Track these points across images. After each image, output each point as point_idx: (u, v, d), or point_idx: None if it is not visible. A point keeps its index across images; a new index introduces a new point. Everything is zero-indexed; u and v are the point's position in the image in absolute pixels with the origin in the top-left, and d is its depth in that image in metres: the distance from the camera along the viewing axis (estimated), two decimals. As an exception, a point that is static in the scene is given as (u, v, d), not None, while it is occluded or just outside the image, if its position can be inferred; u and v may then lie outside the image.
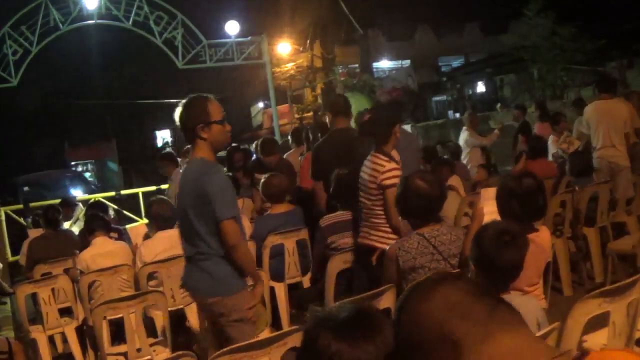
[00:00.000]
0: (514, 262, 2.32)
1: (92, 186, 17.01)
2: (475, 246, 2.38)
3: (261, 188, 4.85)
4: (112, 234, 5.18)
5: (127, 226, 6.77)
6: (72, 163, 26.10)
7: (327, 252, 4.11)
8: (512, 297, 2.27)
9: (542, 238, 2.87)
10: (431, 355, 1.11)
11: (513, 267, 2.32)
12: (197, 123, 2.92)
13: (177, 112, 3.00)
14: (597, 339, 2.41)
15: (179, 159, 6.84)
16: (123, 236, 5.71)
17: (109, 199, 10.80)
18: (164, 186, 10.86)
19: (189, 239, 3.01)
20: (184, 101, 3.01)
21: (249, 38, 13.36)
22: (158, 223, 4.59)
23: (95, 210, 6.09)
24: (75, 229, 6.67)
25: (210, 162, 2.96)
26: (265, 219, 4.80)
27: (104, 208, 6.84)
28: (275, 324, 4.21)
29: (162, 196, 5.39)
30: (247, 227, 4.94)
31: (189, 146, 3.32)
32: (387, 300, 2.83)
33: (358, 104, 12.19)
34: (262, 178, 4.88)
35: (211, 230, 2.87)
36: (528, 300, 2.45)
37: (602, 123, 5.99)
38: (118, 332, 4.00)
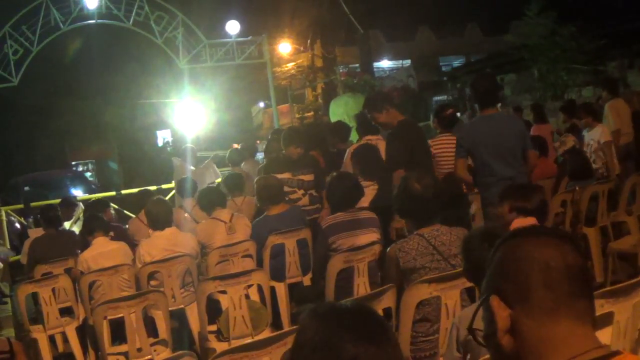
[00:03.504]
0: None
1: (93, 186, 16.98)
2: (464, 252, 2.37)
3: (256, 191, 4.85)
4: (110, 234, 5.18)
5: (128, 225, 6.76)
6: (73, 163, 26.08)
7: (328, 253, 4.10)
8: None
9: None
10: (502, 287, 1.16)
11: None
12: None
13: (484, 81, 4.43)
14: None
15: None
16: (122, 233, 5.70)
17: (109, 198, 10.78)
18: (165, 186, 10.88)
19: (509, 164, 4.14)
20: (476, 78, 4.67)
21: (250, 38, 13.37)
22: (155, 223, 4.59)
23: (93, 211, 6.09)
24: (76, 229, 6.67)
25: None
26: (262, 221, 4.79)
27: (105, 205, 6.83)
28: (276, 324, 4.21)
29: (160, 196, 5.39)
30: (247, 226, 4.95)
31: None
32: (387, 300, 2.84)
33: (358, 103, 12.17)
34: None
35: (522, 157, 4.22)
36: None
37: None
38: (118, 331, 4.00)
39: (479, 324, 1.23)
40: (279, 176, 5.30)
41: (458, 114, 17.78)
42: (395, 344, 1.23)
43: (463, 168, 4.33)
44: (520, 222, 2.98)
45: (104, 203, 7.05)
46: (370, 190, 4.98)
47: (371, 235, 4.07)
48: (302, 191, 5.51)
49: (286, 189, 5.37)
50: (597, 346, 1.11)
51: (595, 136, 6.72)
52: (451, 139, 5.24)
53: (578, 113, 7.40)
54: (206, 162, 8.37)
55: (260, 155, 10.32)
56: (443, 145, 5.11)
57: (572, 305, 1.12)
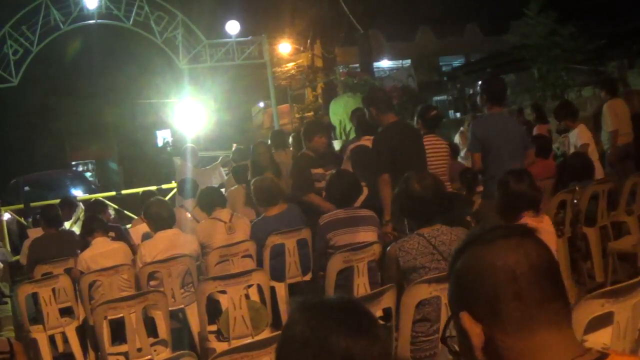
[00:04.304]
0: None
1: (93, 186, 16.99)
2: None
3: (253, 193, 4.85)
4: (110, 234, 5.19)
5: (128, 226, 6.77)
6: (73, 163, 26.10)
7: (326, 249, 4.11)
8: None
9: (545, 225, 2.95)
10: (470, 303, 1.11)
11: None
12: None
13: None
14: (597, 339, 2.41)
15: None
16: (121, 233, 5.71)
17: (110, 198, 10.80)
18: (165, 186, 10.89)
19: (517, 160, 4.40)
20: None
21: (250, 38, 13.37)
22: (157, 223, 4.58)
23: (93, 211, 6.10)
24: (76, 229, 6.67)
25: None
26: (262, 222, 4.79)
27: (103, 206, 6.86)
28: (276, 324, 4.22)
29: (160, 197, 5.39)
30: (247, 225, 4.95)
31: None
32: (387, 300, 2.84)
33: (358, 103, 12.18)
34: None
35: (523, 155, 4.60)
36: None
37: None
38: (118, 331, 4.01)
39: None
40: (313, 171, 5.31)
41: (458, 115, 17.86)
42: (384, 337, 1.21)
43: (480, 161, 4.60)
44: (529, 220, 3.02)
45: (101, 203, 7.07)
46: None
47: (369, 234, 4.08)
48: None
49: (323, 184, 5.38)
50: (581, 353, 1.07)
51: (572, 139, 6.56)
52: (435, 140, 5.32)
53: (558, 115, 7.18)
54: (214, 164, 8.36)
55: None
56: (428, 146, 5.11)
57: (546, 312, 1.07)
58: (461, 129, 8.82)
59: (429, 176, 3.26)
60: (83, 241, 4.97)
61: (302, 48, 17.97)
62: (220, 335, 3.85)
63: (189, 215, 5.91)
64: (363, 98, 5.13)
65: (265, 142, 6.81)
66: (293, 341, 1.18)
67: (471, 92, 20.81)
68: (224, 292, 3.78)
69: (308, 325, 1.17)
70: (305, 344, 1.16)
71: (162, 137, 26.22)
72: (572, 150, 6.53)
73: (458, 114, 18.84)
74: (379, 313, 2.83)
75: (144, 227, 5.44)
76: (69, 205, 7.38)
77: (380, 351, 1.17)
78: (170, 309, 3.99)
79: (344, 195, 4.18)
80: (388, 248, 3.11)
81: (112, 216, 8.78)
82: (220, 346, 3.65)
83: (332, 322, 1.17)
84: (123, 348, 3.81)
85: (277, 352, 1.22)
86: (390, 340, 1.07)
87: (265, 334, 3.67)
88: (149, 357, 3.63)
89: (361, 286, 3.80)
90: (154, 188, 10.54)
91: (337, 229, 4.04)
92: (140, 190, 11.54)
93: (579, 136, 6.46)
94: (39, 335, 4.58)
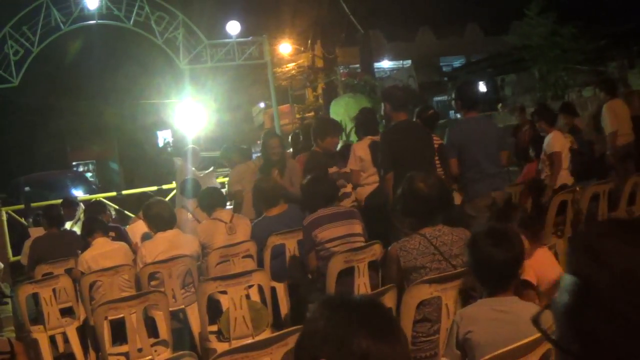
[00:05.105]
0: (509, 259, 2.29)
1: (93, 186, 17.01)
2: (470, 249, 2.37)
3: (253, 194, 4.86)
4: (110, 233, 5.19)
5: (127, 227, 6.78)
6: (74, 163, 26.09)
7: (314, 247, 4.12)
8: (511, 302, 2.26)
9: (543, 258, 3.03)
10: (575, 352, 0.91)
11: (509, 265, 2.30)
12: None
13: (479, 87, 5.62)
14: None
15: None
16: (122, 233, 5.71)
17: (110, 199, 10.81)
18: (165, 186, 10.89)
19: (494, 162, 4.65)
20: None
21: (250, 38, 13.36)
22: (158, 224, 4.58)
23: (93, 212, 6.11)
24: (77, 229, 6.67)
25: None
26: (262, 222, 4.80)
27: (103, 207, 6.87)
28: (276, 324, 4.22)
29: (160, 197, 5.40)
30: (247, 226, 4.96)
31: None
32: (388, 300, 2.84)
33: (359, 104, 12.19)
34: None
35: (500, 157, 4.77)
36: (530, 308, 2.25)
37: None
38: (119, 332, 4.01)
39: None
40: (329, 171, 5.33)
41: (458, 115, 17.88)
42: (404, 342, 1.22)
43: (456, 166, 4.70)
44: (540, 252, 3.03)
45: (101, 204, 7.07)
46: (369, 188, 5.16)
47: (353, 227, 4.10)
48: (350, 185, 5.49)
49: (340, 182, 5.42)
50: None
51: (545, 144, 6.05)
52: (434, 140, 5.33)
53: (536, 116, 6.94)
54: (210, 170, 8.35)
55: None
56: None
57: None
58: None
59: (432, 175, 3.28)
60: (83, 242, 4.98)
61: (302, 48, 17.99)
62: (220, 336, 3.85)
63: (190, 215, 5.91)
64: (382, 92, 5.27)
65: (278, 135, 6.87)
66: (314, 336, 1.19)
67: (472, 92, 20.77)
68: (224, 292, 3.78)
69: (330, 322, 1.18)
70: (325, 340, 1.16)
71: (163, 137, 26.21)
72: (542, 155, 6.12)
73: (458, 115, 18.85)
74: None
75: (142, 227, 5.44)
76: (71, 205, 7.38)
77: (399, 355, 1.18)
78: (170, 309, 3.99)
79: (326, 197, 4.20)
80: (389, 248, 3.12)
81: (113, 216, 8.79)
82: (220, 346, 3.65)
83: (355, 321, 1.17)
84: (124, 348, 3.81)
85: (297, 344, 1.23)
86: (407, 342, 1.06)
87: (266, 334, 3.67)
88: (150, 357, 3.64)
89: (361, 286, 3.80)
90: (154, 188, 10.54)
91: (321, 225, 4.05)
92: (140, 190, 11.56)
93: (550, 143, 5.92)
94: (40, 336, 4.59)
